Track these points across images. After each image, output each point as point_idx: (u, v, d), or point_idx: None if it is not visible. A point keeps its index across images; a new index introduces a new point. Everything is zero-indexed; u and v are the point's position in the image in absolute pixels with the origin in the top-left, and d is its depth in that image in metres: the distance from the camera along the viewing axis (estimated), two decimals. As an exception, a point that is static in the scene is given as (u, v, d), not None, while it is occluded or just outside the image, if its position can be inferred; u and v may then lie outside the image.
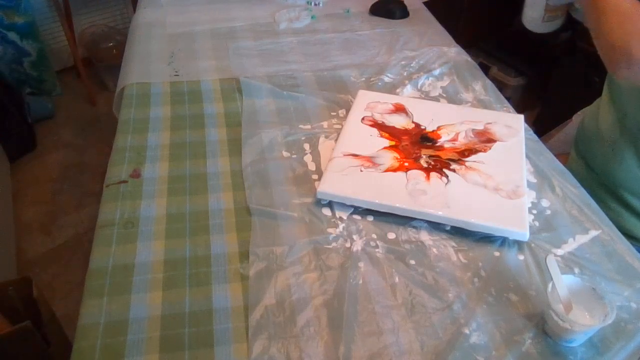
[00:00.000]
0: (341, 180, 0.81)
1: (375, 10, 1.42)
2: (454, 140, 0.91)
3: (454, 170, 0.84)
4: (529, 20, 1.03)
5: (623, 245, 0.75)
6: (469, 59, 1.21)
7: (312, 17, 1.38)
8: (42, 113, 2.15)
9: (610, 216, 0.81)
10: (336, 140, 0.92)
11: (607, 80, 0.93)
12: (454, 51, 1.23)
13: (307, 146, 0.93)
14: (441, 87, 1.11)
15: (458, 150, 0.89)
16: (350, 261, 0.72)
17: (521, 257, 0.73)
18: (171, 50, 1.22)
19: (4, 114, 1.88)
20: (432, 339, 0.63)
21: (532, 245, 0.75)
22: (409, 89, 1.09)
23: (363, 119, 0.96)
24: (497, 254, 0.74)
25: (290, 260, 0.72)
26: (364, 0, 1.45)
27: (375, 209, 0.79)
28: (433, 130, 0.93)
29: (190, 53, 1.21)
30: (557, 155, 0.93)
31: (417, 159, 0.87)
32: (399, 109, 0.99)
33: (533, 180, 0.86)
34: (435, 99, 1.08)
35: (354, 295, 0.67)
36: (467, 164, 0.85)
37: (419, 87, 1.11)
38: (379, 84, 1.11)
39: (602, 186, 0.92)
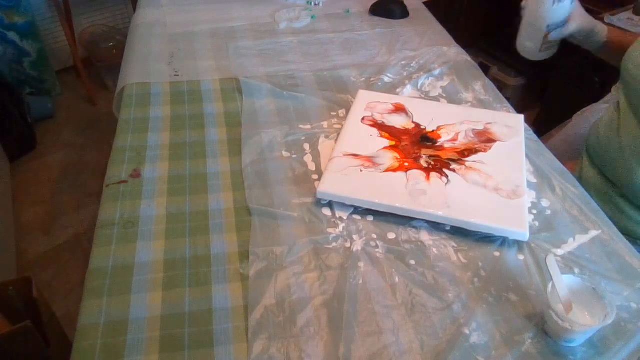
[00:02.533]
0: (341, 180, 0.81)
1: (375, 10, 1.42)
2: (454, 140, 0.91)
3: (454, 170, 0.84)
4: (525, 49, 0.98)
5: (623, 245, 0.75)
6: (469, 59, 1.21)
7: (312, 17, 1.38)
8: (42, 113, 2.15)
9: (631, 226, 0.79)
10: (336, 140, 0.92)
11: (624, 91, 0.87)
12: (454, 51, 1.23)
13: (307, 146, 0.93)
14: (441, 87, 1.11)
15: (458, 150, 0.89)
16: (350, 261, 0.72)
17: (521, 257, 0.73)
18: (171, 50, 1.22)
19: (4, 113, 1.88)
20: (432, 339, 0.63)
21: (532, 245, 0.75)
22: (409, 89, 1.09)
23: (363, 119, 0.96)
24: (497, 254, 0.74)
25: (290, 260, 0.72)
26: (364, 0, 1.45)
27: (375, 209, 0.79)
28: (433, 130, 0.93)
29: (190, 53, 1.21)
30: (564, 163, 0.91)
31: (417, 159, 0.87)
32: (399, 109, 0.99)
33: (533, 180, 0.86)
34: (435, 99, 1.08)
35: (354, 295, 0.67)
36: (467, 164, 0.85)
37: (419, 87, 1.11)
38: (379, 84, 1.11)
39: (622, 197, 0.89)
